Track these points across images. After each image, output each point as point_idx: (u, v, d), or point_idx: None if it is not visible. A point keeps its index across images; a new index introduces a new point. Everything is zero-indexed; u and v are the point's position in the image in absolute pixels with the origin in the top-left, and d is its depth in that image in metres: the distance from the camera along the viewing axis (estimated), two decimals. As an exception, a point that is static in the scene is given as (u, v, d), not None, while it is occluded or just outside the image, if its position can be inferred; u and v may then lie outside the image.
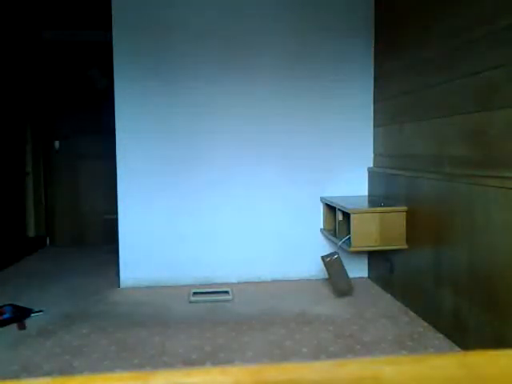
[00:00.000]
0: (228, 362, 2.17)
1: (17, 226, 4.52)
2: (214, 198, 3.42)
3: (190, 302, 3.02)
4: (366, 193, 3.52)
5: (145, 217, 3.37)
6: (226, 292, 3.17)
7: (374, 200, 3.25)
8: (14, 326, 2.62)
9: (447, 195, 2.37)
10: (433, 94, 2.57)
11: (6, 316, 2.69)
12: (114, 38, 3.29)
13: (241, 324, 2.61)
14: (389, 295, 3.09)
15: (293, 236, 3.47)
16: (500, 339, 1.94)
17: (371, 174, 3.47)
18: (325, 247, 3.42)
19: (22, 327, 2.60)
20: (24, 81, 4.65)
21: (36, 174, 4.84)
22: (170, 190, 3.39)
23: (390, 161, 3.21)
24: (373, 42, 3.45)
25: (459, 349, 2.28)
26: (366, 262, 3.54)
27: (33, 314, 2.78)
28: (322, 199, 3.47)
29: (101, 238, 4.82)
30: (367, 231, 2.87)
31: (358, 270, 3.48)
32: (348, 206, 2.95)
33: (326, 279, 3.24)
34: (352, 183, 3.49)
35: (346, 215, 3.00)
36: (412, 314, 2.73)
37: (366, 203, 3.22)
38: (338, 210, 3.09)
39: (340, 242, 3.01)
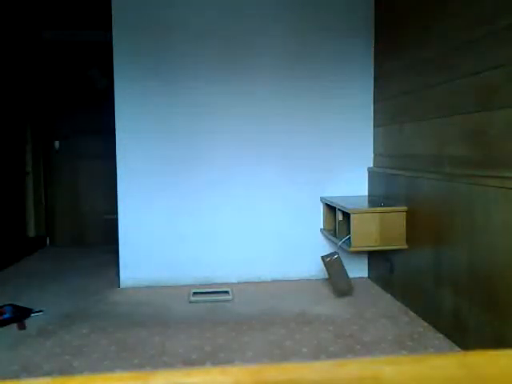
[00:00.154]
0: (228, 362, 2.17)
1: (17, 225, 4.52)
2: (214, 197, 3.42)
3: (190, 302, 3.02)
4: (366, 193, 3.52)
5: (145, 217, 3.37)
6: (226, 292, 3.17)
7: (374, 200, 3.25)
8: (14, 326, 2.62)
9: (447, 195, 2.37)
10: (433, 94, 2.57)
11: (5, 316, 2.69)
12: (114, 38, 3.29)
13: (241, 324, 2.61)
14: (389, 295, 3.09)
15: (293, 236, 3.47)
16: (500, 339, 1.94)
17: (371, 174, 3.47)
18: (325, 247, 3.42)
19: (22, 327, 2.60)
20: (24, 81, 4.65)
21: (36, 174, 4.84)
22: (170, 190, 3.39)
23: (389, 161, 3.21)
24: (373, 41, 3.45)
25: (459, 349, 2.28)
26: (365, 262, 3.54)
27: (33, 314, 2.78)
28: (321, 199, 3.47)
29: (101, 238, 4.82)
30: (367, 231, 2.87)
31: (358, 269, 3.48)
32: (348, 206, 2.95)
33: (326, 279, 3.24)
34: (352, 183, 3.50)
35: (346, 215, 3.00)
36: (412, 313, 2.73)
37: (365, 203, 3.22)
38: (338, 210, 3.09)
39: (340, 242, 3.01)
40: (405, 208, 2.86)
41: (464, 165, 2.26)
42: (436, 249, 2.49)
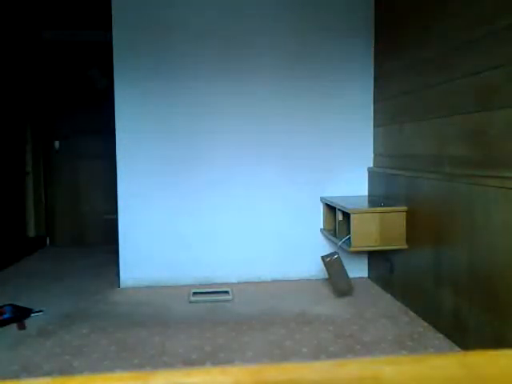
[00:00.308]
0: (228, 362, 2.17)
1: (17, 225, 4.52)
2: (214, 197, 3.42)
3: (190, 302, 3.02)
4: (366, 193, 3.52)
5: (145, 217, 3.37)
6: (226, 292, 3.17)
7: (374, 200, 3.25)
8: (14, 326, 2.62)
9: (447, 195, 2.37)
10: (433, 94, 2.57)
11: (5, 316, 2.69)
12: (114, 37, 3.29)
13: (241, 324, 2.61)
14: (389, 295, 3.09)
15: (293, 236, 3.47)
16: (500, 339, 1.94)
17: (371, 174, 3.47)
18: (325, 247, 3.42)
19: (22, 327, 2.60)
20: (24, 81, 4.65)
21: (36, 174, 4.84)
22: (170, 190, 3.39)
23: (390, 161, 3.21)
24: (373, 41, 3.45)
25: (459, 349, 2.28)
26: (365, 262, 3.54)
27: (33, 314, 2.78)
28: (322, 199, 3.47)
29: (101, 238, 4.82)
30: (367, 231, 2.87)
31: (358, 269, 3.48)
32: (348, 206, 2.95)
33: (326, 279, 3.24)
34: (352, 183, 3.50)
35: (346, 215, 3.00)
36: (412, 313, 2.73)
37: (365, 203, 3.22)
38: (338, 210, 3.09)
39: (340, 242, 3.01)
40: (405, 208, 2.86)
41: (464, 165, 2.26)
42: (436, 249, 2.49)
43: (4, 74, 4.25)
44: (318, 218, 3.50)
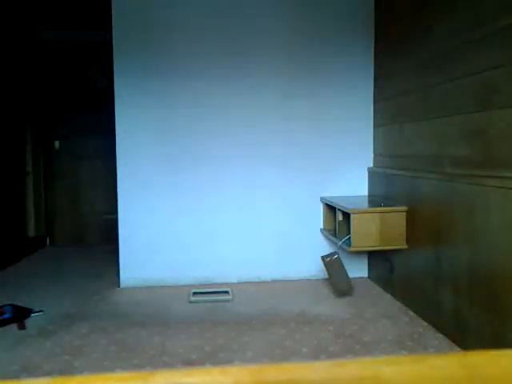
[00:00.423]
0: (228, 362, 2.17)
1: (17, 225, 4.52)
2: (213, 197, 3.42)
3: (190, 302, 3.02)
4: (366, 193, 3.52)
5: (145, 217, 3.37)
6: (226, 292, 3.17)
7: (374, 200, 3.25)
8: (14, 326, 2.62)
9: (447, 195, 2.37)
10: (433, 94, 2.57)
11: (5, 316, 2.69)
12: (114, 37, 3.29)
13: (241, 324, 2.61)
14: (389, 295, 3.09)
15: (293, 236, 3.47)
16: (500, 339, 1.94)
17: (371, 173, 3.47)
18: (325, 247, 3.42)
19: (22, 327, 2.60)
20: (24, 81, 4.65)
21: (36, 174, 4.84)
22: (170, 190, 3.39)
23: (389, 161, 3.21)
24: (373, 42, 3.45)
25: (459, 349, 2.28)
26: (365, 262, 3.54)
27: (33, 314, 2.78)
28: (322, 199, 3.47)
29: (101, 238, 4.82)
30: (367, 231, 2.87)
31: (358, 269, 3.48)
32: (348, 206, 2.95)
33: (326, 279, 3.24)
34: (352, 183, 3.49)
35: (346, 215, 3.00)
36: (412, 313, 2.73)
37: (365, 203, 3.22)
38: (338, 210, 3.09)
39: (340, 242, 3.01)
40: (405, 208, 2.86)
41: (464, 165, 2.26)
42: (436, 249, 2.49)
43: (4, 74, 4.25)
44: (318, 218, 3.50)
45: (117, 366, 2.12)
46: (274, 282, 3.45)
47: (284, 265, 3.47)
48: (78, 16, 4.71)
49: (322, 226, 3.50)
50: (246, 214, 3.44)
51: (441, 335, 2.41)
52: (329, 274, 3.04)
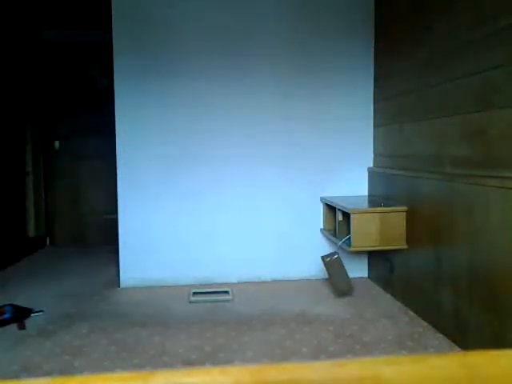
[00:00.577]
0: (228, 362, 2.17)
1: (17, 225, 4.52)
2: (213, 197, 3.42)
3: (190, 302, 3.02)
4: (366, 193, 3.52)
5: (145, 217, 3.37)
6: (226, 292, 3.17)
7: (374, 200, 3.25)
8: (14, 326, 2.62)
9: (447, 195, 2.37)
10: (433, 94, 2.57)
11: (5, 316, 2.69)
12: (113, 37, 3.29)
13: (241, 324, 2.61)
14: (389, 295, 3.09)
15: (293, 236, 3.47)
16: (500, 339, 1.94)
17: (371, 174, 3.47)
18: (325, 247, 3.42)
19: (22, 327, 2.60)
20: (24, 81, 4.65)
21: (36, 174, 4.84)
22: (169, 190, 3.39)
23: (389, 161, 3.21)
24: (373, 42, 3.45)
25: (459, 349, 2.28)
26: (365, 262, 3.54)
27: (33, 314, 2.78)
28: (322, 199, 3.47)
29: (101, 238, 4.82)
30: (367, 231, 2.87)
31: (358, 269, 3.48)
32: (348, 206, 2.95)
33: (326, 279, 3.24)
34: (352, 183, 3.49)
35: (346, 215, 3.00)
36: (412, 313, 2.73)
37: (365, 203, 3.22)
38: (338, 210, 3.09)
39: (340, 242, 3.01)
40: (405, 208, 2.86)
41: (464, 165, 2.26)
42: (436, 249, 2.49)
43: (4, 74, 4.25)
44: (318, 218, 3.50)
45: (117, 365, 2.12)
46: (274, 282, 3.45)
47: (284, 265, 3.48)
48: (77, 16, 4.71)
49: (322, 226, 3.50)
50: (246, 213, 3.44)
51: (441, 335, 2.41)
52: (329, 273, 3.04)
